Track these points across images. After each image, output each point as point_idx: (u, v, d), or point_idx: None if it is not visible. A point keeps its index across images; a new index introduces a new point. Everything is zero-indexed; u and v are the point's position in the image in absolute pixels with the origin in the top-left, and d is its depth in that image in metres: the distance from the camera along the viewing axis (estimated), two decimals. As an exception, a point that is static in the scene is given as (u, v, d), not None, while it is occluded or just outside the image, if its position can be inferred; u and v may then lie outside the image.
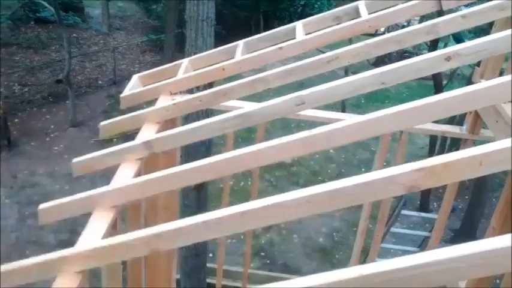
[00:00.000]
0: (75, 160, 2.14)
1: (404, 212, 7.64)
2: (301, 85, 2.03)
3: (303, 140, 1.71)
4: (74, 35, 17.70)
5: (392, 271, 1.02)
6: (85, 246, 1.53)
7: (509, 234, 0.96)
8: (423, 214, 8.82)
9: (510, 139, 1.26)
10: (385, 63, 5.96)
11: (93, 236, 1.65)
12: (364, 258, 4.51)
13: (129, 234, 1.52)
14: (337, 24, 2.50)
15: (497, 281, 2.69)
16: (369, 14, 2.43)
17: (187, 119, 4.07)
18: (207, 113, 4.55)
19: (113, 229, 1.76)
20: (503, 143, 1.25)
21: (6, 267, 1.57)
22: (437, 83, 10.30)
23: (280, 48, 2.49)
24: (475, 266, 0.99)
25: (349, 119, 1.71)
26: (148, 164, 2.30)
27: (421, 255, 1.02)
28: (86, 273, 1.54)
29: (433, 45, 10.16)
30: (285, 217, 1.44)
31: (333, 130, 1.66)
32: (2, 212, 9.83)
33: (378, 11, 2.45)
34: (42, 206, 1.86)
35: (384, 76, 1.86)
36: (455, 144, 9.44)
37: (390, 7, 2.42)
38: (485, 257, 0.98)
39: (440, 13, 2.68)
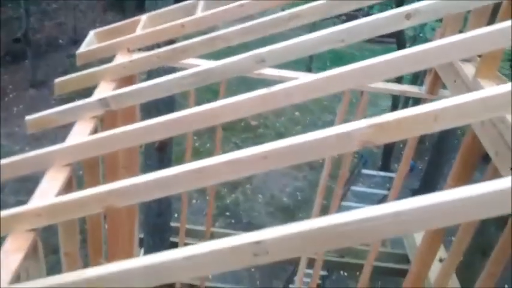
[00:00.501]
0: (28, 117, 2.07)
1: (365, 171, 7.82)
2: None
3: (262, 96, 1.69)
4: (32, -10, 16.92)
5: (343, 224, 1.04)
6: (37, 204, 1.50)
7: (454, 189, 0.98)
8: (382, 173, 9.05)
9: (464, 95, 1.28)
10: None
11: (47, 194, 1.61)
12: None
13: (82, 192, 1.49)
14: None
15: (452, 238, 2.79)
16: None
17: (150, 79, 3.99)
18: (169, 73, 4.46)
19: (68, 188, 1.73)
20: (457, 99, 1.27)
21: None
22: (400, 45, 10.37)
23: (241, 5, 2.44)
24: (420, 219, 1.01)
25: (309, 76, 1.70)
26: (106, 123, 2.25)
27: (370, 208, 1.03)
28: (38, 231, 1.51)
29: (399, 5, 10.17)
30: (241, 173, 1.43)
31: (291, 87, 1.65)
32: (-41, 174, 9.55)
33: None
34: (-7, 164, 1.80)
35: (344, 33, 1.85)
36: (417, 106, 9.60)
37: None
38: (428, 211, 1.00)
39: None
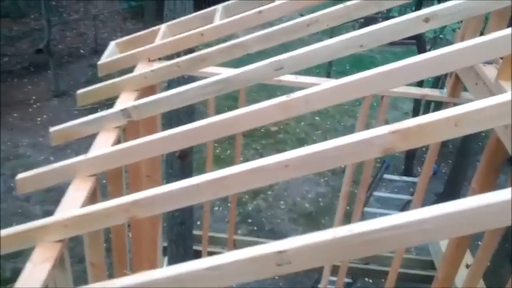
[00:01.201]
0: (53, 129, 2.11)
1: (387, 176, 7.72)
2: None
3: (282, 104, 1.70)
4: (53, 2, 17.23)
5: (367, 232, 1.03)
6: (63, 216, 1.52)
7: (480, 195, 0.97)
8: (405, 178, 8.92)
9: (485, 100, 1.26)
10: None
11: (72, 205, 1.64)
12: (348, 223, 4.57)
13: (107, 202, 1.51)
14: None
15: (479, 242, 2.75)
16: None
17: (170, 88, 4.03)
18: (189, 82, 4.50)
19: (93, 198, 1.75)
20: (478, 104, 1.25)
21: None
22: (421, 48, 10.26)
23: (260, 12, 2.45)
24: (445, 226, 1.00)
25: (328, 82, 1.70)
26: (128, 133, 2.28)
27: (394, 216, 1.03)
28: (65, 242, 1.53)
29: (418, 8, 10.09)
30: (263, 181, 1.44)
31: (311, 94, 1.66)
32: (-14, 184, 9.77)
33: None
34: (20, 175, 1.84)
35: (362, 38, 1.85)
36: (439, 109, 9.49)
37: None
38: (454, 218, 0.99)
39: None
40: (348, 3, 2.15)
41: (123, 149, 1.81)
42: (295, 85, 2.98)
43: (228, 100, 10.42)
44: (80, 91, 2.41)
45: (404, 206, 7.42)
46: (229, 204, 8.84)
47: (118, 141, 2.01)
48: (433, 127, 1.25)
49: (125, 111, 2.04)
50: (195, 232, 5.34)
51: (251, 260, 1.06)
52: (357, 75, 1.59)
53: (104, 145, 1.93)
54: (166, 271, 1.13)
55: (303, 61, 1.93)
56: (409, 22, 1.81)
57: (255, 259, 1.06)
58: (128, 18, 18.19)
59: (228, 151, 10.91)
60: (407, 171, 10.81)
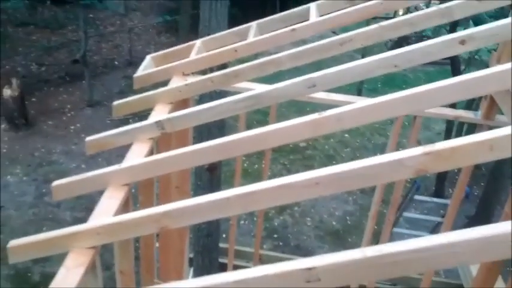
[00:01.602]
0: (88, 138, 2.17)
1: (418, 197, 7.60)
2: (319, 70, 2.02)
3: (314, 122, 1.70)
4: (91, 15, 17.72)
5: (396, 253, 1.03)
6: (96, 223, 1.56)
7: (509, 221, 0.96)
8: (436, 199, 8.77)
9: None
10: (402, 47, 5.85)
11: (105, 213, 1.68)
12: (376, 243, 4.53)
13: (139, 212, 1.54)
14: (351, 6, 2.47)
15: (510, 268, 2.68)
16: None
17: (201, 101, 4.09)
18: (222, 95, 4.55)
19: (125, 207, 1.79)
20: (514, 128, 1.24)
21: (20, 241, 1.62)
22: (455, 68, 10.13)
23: (293, 29, 2.48)
24: (476, 251, 0.99)
25: (361, 101, 1.70)
26: (161, 144, 2.33)
27: (424, 238, 1.02)
28: (98, 249, 1.57)
29: (452, 30, 9.98)
30: (293, 198, 1.45)
31: (344, 112, 1.66)
32: (19, 189, 10.01)
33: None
34: (56, 182, 1.90)
35: (397, 58, 1.85)
36: (472, 131, 9.33)
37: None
38: (485, 243, 0.98)
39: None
40: (383, 23, 2.16)
41: (157, 160, 1.84)
42: (326, 102, 2.99)
43: (257, 114, 10.47)
44: (116, 102, 2.47)
45: (434, 228, 7.29)
46: (255, 219, 8.86)
47: (151, 153, 2.06)
48: (467, 150, 1.24)
49: (159, 123, 2.08)
50: (221, 245, 5.36)
51: (280, 276, 1.07)
52: (391, 95, 1.59)
53: (137, 156, 1.97)
54: (195, 282, 1.14)
55: (336, 79, 1.94)
56: (445, 44, 1.80)
57: (283, 275, 1.07)
58: (162, 31, 18.55)
59: (256, 165, 10.93)
60: (438, 193, 10.62)
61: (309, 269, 1.05)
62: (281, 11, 2.84)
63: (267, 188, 1.42)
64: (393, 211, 3.51)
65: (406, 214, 7.41)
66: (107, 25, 18.48)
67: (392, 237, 5.49)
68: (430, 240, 1.04)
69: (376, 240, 4.62)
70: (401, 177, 1.35)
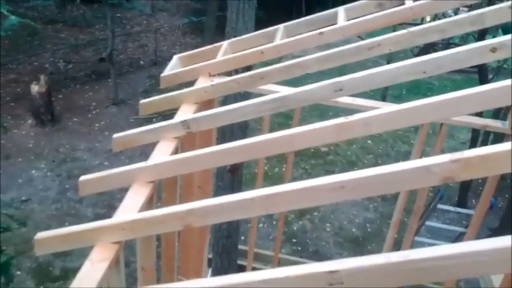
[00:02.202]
0: (115, 135, 2.20)
1: (440, 206, 7.50)
2: (343, 74, 2.02)
3: (339, 126, 1.70)
4: (118, 14, 18.00)
5: (421, 260, 1.02)
6: (122, 218, 1.58)
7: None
8: (459, 209, 8.63)
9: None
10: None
11: (130, 209, 1.70)
12: (396, 251, 4.48)
13: (164, 209, 1.56)
14: (380, 10, 2.46)
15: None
16: (413, 1, 2.39)
17: (225, 102, 4.11)
18: (245, 97, 4.57)
19: (150, 204, 1.81)
20: (545, 138, 1.22)
21: (46, 234, 1.65)
22: (483, 77, 9.97)
23: (321, 33, 2.48)
24: (501, 261, 0.98)
25: (387, 107, 1.69)
26: (185, 143, 2.35)
27: (449, 246, 1.02)
28: (122, 244, 1.59)
29: (481, 37, 9.83)
30: (317, 201, 1.45)
31: (370, 117, 1.65)
32: (43, 184, 10.20)
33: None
34: (83, 177, 1.93)
35: (425, 65, 1.83)
36: (498, 140, 9.15)
37: (436, -5, 2.36)
38: (509, 253, 0.96)
39: (490, 4, 2.61)
40: (412, 29, 2.14)
41: (182, 159, 1.86)
42: (351, 107, 2.98)
43: (279, 117, 10.47)
44: (143, 101, 2.50)
45: (457, 238, 7.17)
46: (274, 222, 8.86)
47: (176, 151, 2.08)
48: (496, 159, 1.23)
49: (184, 123, 2.10)
50: (240, 247, 5.37)
51: (303, 277, 1.07)
52: (419, 101, 1.57)
53: (163, 154, 1.99)
54: (219, 280, 1.15)
55: (363, 84, 1.93)
56: (475, 51, 1.78)
57: (307, 276, 1.07)
58: (188, 32, 18.72)
59: (276, 168, 10.93)
60: (461, 203, 10.45)
61: (332, 272, 1.05)
62: (307, 14, 2.84)
63: (292, 190, 1.43)
64: (416, 220, 3.48)
65: (427, 223, 7.31)
66: (134, 25, 18.74)
67: (413, 246, 5.42)
68: (455, 248, 1.03)
69: (396, 249, 4.57)
70: (427, 184, 1.34)
